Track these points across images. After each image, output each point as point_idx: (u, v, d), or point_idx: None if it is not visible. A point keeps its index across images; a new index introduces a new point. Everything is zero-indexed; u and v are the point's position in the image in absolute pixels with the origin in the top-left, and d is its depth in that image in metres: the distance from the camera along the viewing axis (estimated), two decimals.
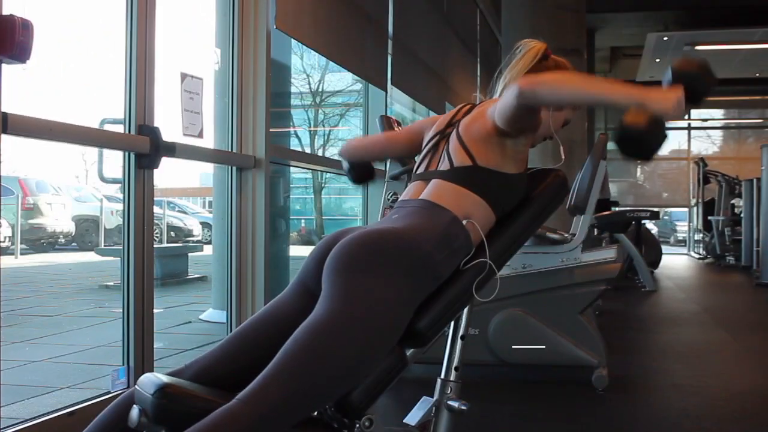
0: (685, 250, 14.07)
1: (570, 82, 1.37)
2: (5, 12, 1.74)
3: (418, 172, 1.64)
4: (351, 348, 1.26)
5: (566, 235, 3.07)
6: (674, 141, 15.45)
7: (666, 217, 18.15)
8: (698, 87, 1.29)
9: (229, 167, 3.08)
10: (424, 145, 1.69)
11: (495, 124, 1.50)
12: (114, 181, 3.40)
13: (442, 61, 6.55)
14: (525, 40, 1.73)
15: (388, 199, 3.11)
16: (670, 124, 1.32)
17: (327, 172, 7.03)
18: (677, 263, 11.17)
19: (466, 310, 1.53)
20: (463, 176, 1.51)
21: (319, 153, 10.50)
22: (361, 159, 1.96)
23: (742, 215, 9.58)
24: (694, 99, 1.27)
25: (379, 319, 1.29)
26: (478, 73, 8.33)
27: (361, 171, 1.96)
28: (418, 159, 1.69)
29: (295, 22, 3.45)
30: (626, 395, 3.00)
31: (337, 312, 1.27)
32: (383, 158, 1.90)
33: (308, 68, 9.61)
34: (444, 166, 1.56)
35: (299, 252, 6.66)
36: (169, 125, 2.51)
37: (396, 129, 3.13)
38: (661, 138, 1.26)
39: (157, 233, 9.66)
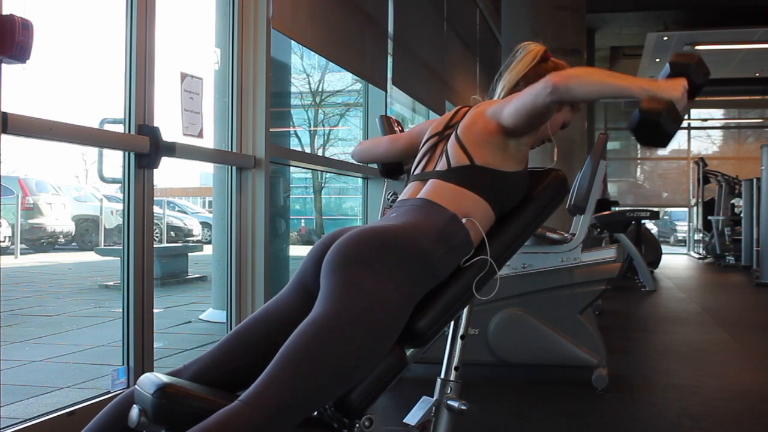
0: (685, 250, 14.07)
1: (596, 77, 1.38)
2: (5, 12, 1.74)
3: (415, 173, 1.65)
4: (350, 347, 1.26)
5: (566, 234, 3.07)
6: (674, 141, 15.41)
7: (666, 217, 18.15)
8: (696, 79, 1.37)
9: (229, 167, 3.08)
10: (421, 147, 1.70)
11: (499, 124, 1.50)
12: (114, 181, 3.41)
13: (442, 61, 6.55)
14: (524, 42, 1.74)
15: (388, 199, 3.10)
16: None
17: (327, 172, 7.04)
18: (677, 263, 11.17)
19: (466, 309, 1.53)
20: (461, 175, 1.51)
21: (319, 153, 10.50)
22: (367, 161, 2.08)
23: (742, 215, 9.58)
24: (693, 89, 1.36)
25: (378, 317, 1.29)
26: (478, 73, 8.33)
27: (388, 167, 2.05)
28: (415, 160, 1.69)
29: (293, 22, 3.44)
30: (626, 395, 3.00)
31: (336, 311, 1.27)
32: (386, 160, 1.98)
33: (308, 68, 9.60)
34: (441, 166, 1.56)
35: (299, 252, 6.65)
36: (169, 125, 2.51)
37: (396, 129, 3.12)
38: (676, 123, 1.31)
39: (157, 233, 9.65)
